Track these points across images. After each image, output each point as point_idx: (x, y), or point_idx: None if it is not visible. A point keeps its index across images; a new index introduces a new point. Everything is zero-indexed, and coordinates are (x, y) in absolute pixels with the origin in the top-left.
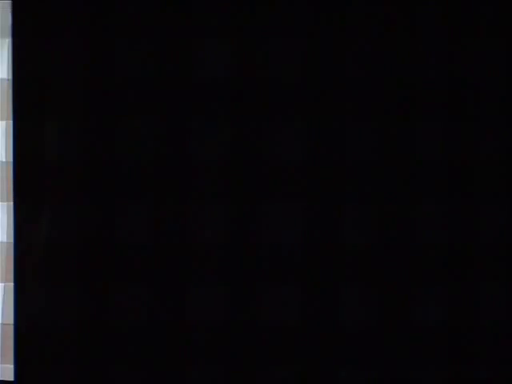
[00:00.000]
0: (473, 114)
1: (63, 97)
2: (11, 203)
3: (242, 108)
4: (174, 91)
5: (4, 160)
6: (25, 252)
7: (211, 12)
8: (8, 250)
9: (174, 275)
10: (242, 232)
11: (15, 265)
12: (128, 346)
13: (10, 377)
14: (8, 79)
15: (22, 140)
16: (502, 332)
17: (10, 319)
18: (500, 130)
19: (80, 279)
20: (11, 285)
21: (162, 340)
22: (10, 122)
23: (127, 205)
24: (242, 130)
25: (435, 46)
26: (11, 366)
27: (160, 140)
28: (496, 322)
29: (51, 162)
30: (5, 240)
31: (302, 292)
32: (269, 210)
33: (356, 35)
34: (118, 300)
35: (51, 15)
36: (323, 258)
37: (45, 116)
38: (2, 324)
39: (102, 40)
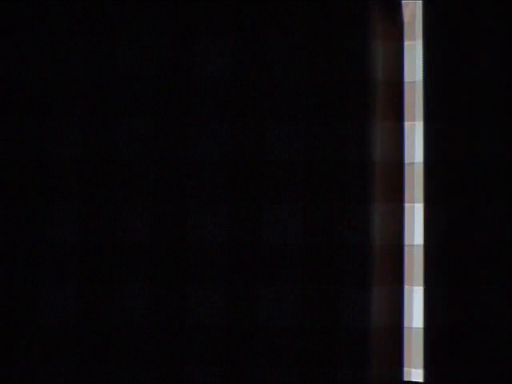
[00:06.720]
0: (471, 113)
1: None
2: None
3: (241, 108)
4: None
5: (412, 161)
6: (445, 252)
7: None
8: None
9: None
10: (242, 232)
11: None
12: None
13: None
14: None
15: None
16: (502, 332)
17: (412, 322)
18: (500, 129)
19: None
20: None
21: None
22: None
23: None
24: (242, 130)
25: (435, 46)
26: (415, 370)
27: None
28: (496, 322)
29: (476, 162)
30: (414, 242)
31: (302, 292)
32: (270, 210)
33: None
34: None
35: (464, 14)
36: (322, 259)
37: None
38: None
39: None
